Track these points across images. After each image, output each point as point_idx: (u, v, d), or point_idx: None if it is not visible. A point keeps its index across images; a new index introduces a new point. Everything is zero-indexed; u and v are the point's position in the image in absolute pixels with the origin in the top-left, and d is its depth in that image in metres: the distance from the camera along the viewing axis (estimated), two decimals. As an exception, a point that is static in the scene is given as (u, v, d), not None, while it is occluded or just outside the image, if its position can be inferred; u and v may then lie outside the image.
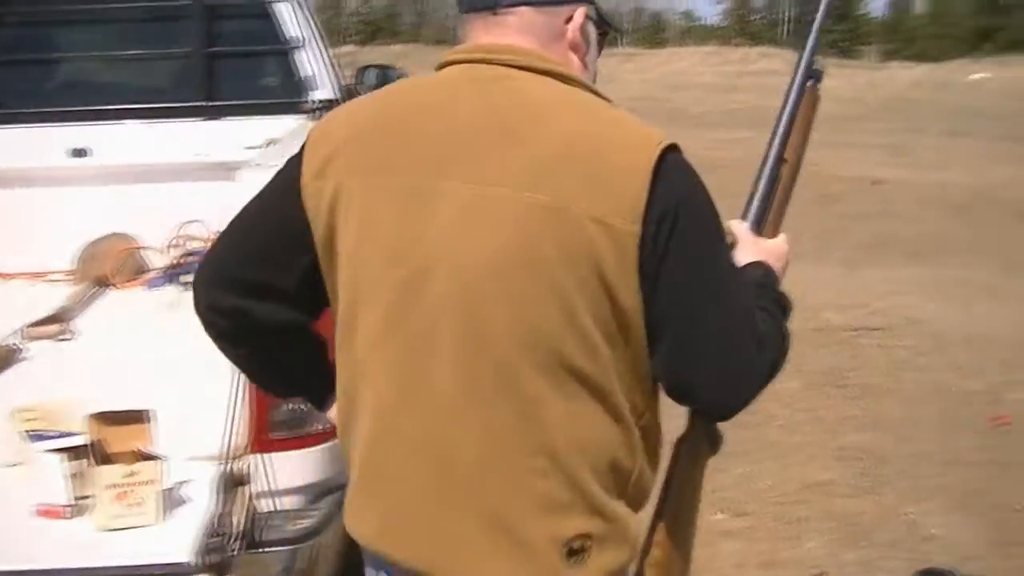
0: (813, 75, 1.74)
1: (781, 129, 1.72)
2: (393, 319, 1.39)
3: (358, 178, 1.42)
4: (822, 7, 1.83)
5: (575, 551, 1.38)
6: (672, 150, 1.36)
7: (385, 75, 5.36)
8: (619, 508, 1.43)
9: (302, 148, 1.49)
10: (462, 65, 1.47)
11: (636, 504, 1.49)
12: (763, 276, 1.57)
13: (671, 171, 1.34)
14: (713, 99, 29.35)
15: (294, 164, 1.48)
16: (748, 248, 1.61)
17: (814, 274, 8.77)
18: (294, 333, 1.61)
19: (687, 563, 1.56)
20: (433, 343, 1.37)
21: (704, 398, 1.46)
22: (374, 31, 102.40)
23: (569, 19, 1.48)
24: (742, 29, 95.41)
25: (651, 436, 1.48)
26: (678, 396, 1.46)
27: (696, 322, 1.38)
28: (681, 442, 1.55)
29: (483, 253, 1.33)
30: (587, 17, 1.50)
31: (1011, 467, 4.76)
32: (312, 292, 1.51)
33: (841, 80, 49.04)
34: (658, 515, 1.54)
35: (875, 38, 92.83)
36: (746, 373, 1.44)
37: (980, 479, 4.66)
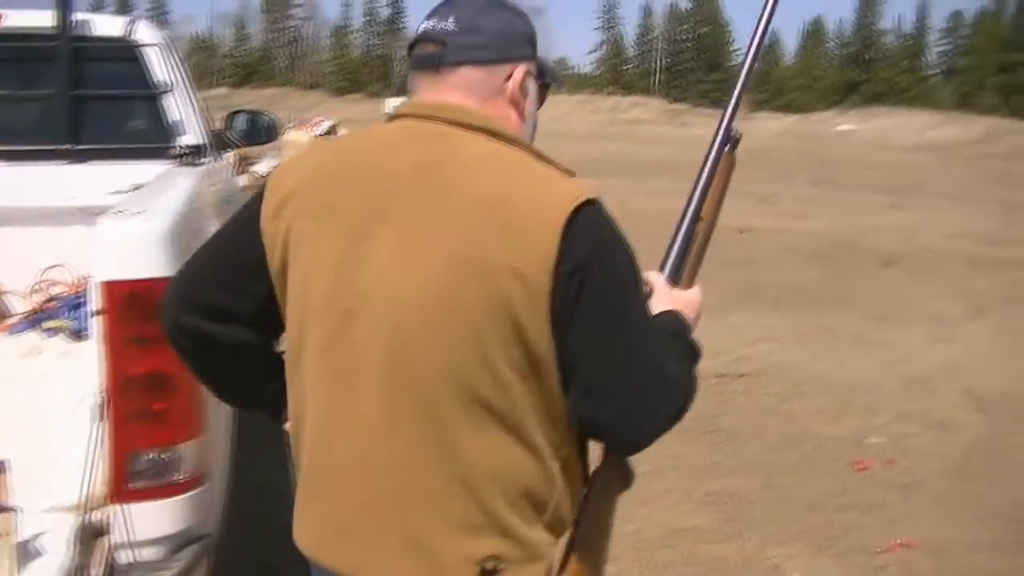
0: (730, 141, 1.91)
1: (698, 190, 1.86)
2: (329, 350, 1.56)
3: (307, 221, 1.58)
4: (742, 77, 2.01)
5: (488, 571, 1.53)
6: (589, 206, 1.48)
7: (254, 120, 5.34)
8: (533, 534, 1.58)
9: (263, 188, 1.66)
10: (408, 120, 1.63)
11: (556, 531, 1.63)
12: (676, 325, 1.70)
13: (583, 227, 1.46)
14: (582, 147, 29.80)
15: (256, 202, 1.65)
16: (664, 298, 1.74)
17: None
18: (253, 352, 1.77)
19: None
20: (361, 374, 1.53)
21: (613, 436, 1.61)
22: (248, 73, 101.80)
23: (509, 76, 1.64)
24: (615, 78, 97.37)
25: (571, 469, 1.61)
26: (589, 434, 1.61)
27: (605, 369, 1.51)
28: (595, 476, 1.69)
29: (410, 295, 1.48)
30: (527, 74, 1.67)
31: (871, 511, 4.90)
32: (269, 317, 1.67)
33: (711, 129, 50.26)
34: (571, 545, 1.66)
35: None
36: (652, 415, 1.57)
37: (841, 523, 4.78)
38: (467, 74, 1.61)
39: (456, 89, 1.61)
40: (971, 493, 5.15)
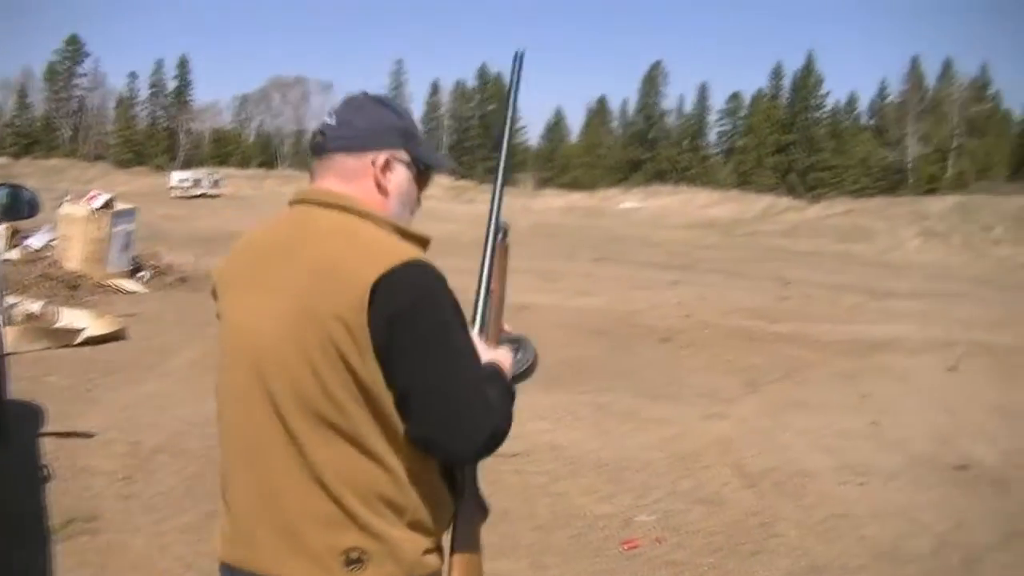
0: (501, 230, 2.33)
1: (485, 272, 2.28)
2: (227, 383, 2.11)
3: (224, 289, 2.18)
4: (500, 169, 2.41)
5: (352, 560, 1.94)
6: (410, 264, 1.92)
7: (16, 194, 5.15)
8: (395, 532, 1.97)
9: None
10: (293, 204, 2.16)
11: (420, 531, 2.02)
12: (495, 369, 2.10)
13: (400, 281, 1.89)
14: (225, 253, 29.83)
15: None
16: (483, 352, 2.11)
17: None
18: None
19: None
20: (242, 402, 2.04)
21: (442, 451, 1.97)
22: (29, 143, 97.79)
23: (374, 161, 2.11)
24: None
25: (424, 480, 2.01)
26: (424, 450, 1.96)
27: (430, 396, 1.91)
28: (457, 513, 2.13)
29: (266, 339, 1.99)
30: (391, 159, 2.13)
31: (639, 591, 4.99)
32: None
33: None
34: (450, 565, 2.10)
35: (531, 166, 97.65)
36: (474, 431, 1.93)
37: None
38: (340, 159, 2.12)
39: (330, 171, 2.13)
40: (739, 569, 5.30)
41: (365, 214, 2.07)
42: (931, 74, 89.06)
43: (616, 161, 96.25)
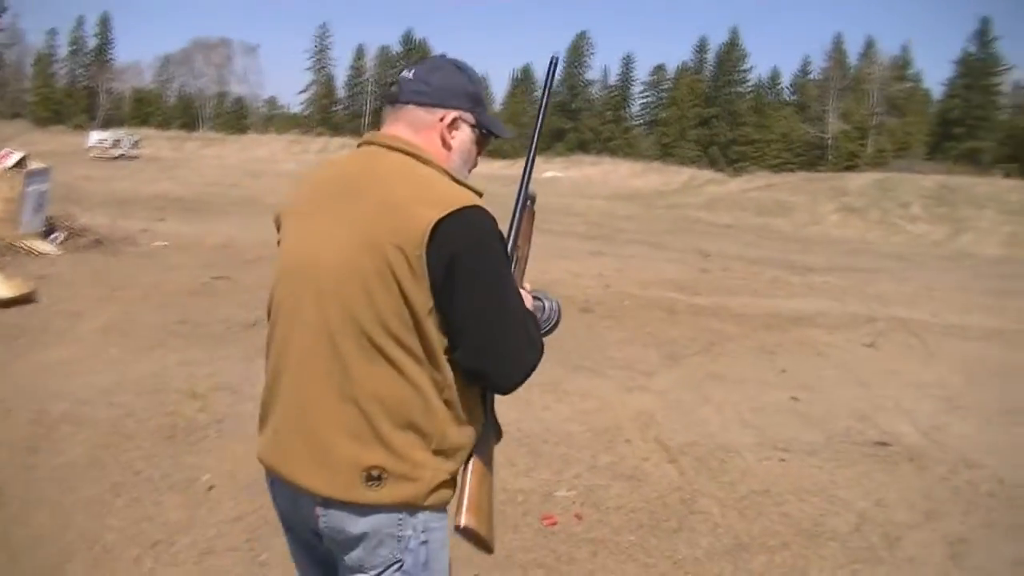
0: (530, 197, 2.66)
1: (513, 233, 2.57)
2: (281, 299, 2.33)
3: (286, 217, 2.43)
4: (533, 146, 2.71)
5: (372, 477, 2.15)
6: (468, 209, 2.18)
7: None
8: (417, 455, 2.19)
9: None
10: (361, 145, 2.41)
11: (443, 456, 2.25)
12: (530, 311, 2.42)
13: (458, 224, 2.14)
14: (288, 185, 29.36)
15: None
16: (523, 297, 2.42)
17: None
18: None
19: (489, 512, 2.39)
20: (299, 317, 2.26)
21: (490, 380, 2.28)
22: None
23: (443, 118, 2.38)
24: (324, 119, 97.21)
25: (456, 407, 2.24)
26: (472, 379, 2.25)
27: (482, 331, 2.18)
28: (481, 431, 2.37)
29: (326, 265, 2.21)
30: (457, 119, 2.40)
31: (559, 568, 4.88)
32: None
33: (418, 170, 50.88)
34: (463, 484, 2.32)
35: None
36: (520, 365, 2.28)
37: (528, 582, 4.74)
38: (412, 111, 2.39)
39: (401, 120, 2.40)
40: (661, 547, 5.23)
41: (428, 161, 2.33)
42: (853, 52, 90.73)
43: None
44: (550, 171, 56.32)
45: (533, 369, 2.31)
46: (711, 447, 7.05)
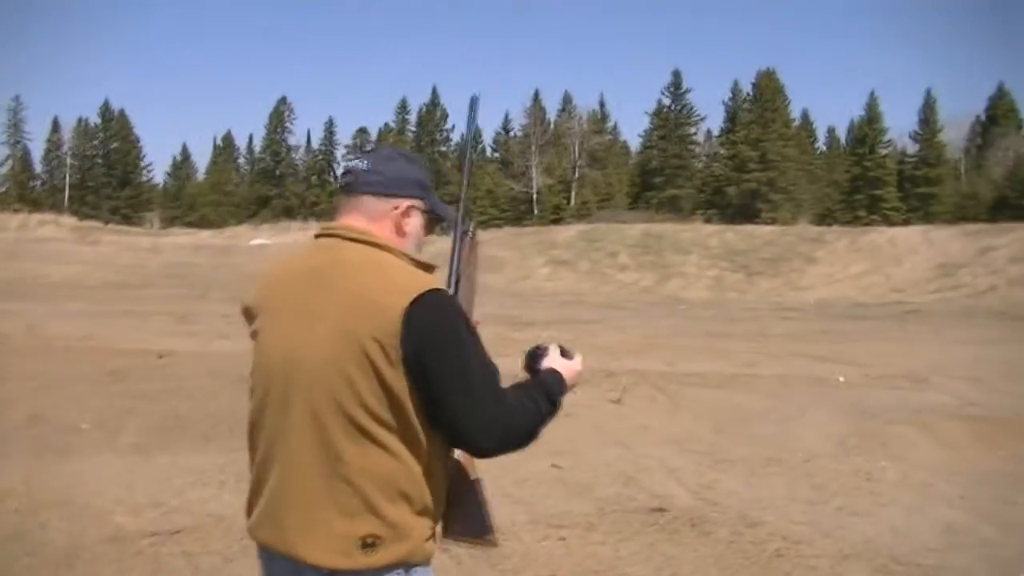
0: (467, 229, 2.76)
1: (455, 262, 2.70)
2: (266, 392, 2.51)
3: (261, 315, 2.59)
4: (464, 183, 2.98)
5: (368, 544, 2.36)
6: (431, 293, 2.37)
7: None
8: (404, 519, 2.38)
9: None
10: (320, 237, 2.61)
11: (423, 516, 2.43)
12: (547, 380, 2.63)
13: (421, 309, 2.33)
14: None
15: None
16: (551, 360, 2.72)
17: (101, 467, 7.94)
18: None
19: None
20: (287, 407, 2.44)
21: (472, 450, 2.49)
22: None
23: (396, 207, 2.57)
24: (22, 195, 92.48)
25: (434, 471, 2.44)
26: (456, 445, 2.48)
27: (455, 402, 2.35)
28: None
29: (309, 356, 2.41)
30: (411, 207, 2.59)
31: None
32: None
33: (122, 248, 49.09)
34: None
35: (157, 204, 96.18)
36: (492, 431, 2.39)
37: None
38: (367, 200, 2.55)
39: (356, 209, 2.56)
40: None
41: (387, 247, 2.50)
42: (552, 107, 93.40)
43: (244, 198, 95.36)
44: (258, 239, 55.05)
45: (512, 433, 2.45)
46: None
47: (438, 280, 2.47)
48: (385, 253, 2.49)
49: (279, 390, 2.45)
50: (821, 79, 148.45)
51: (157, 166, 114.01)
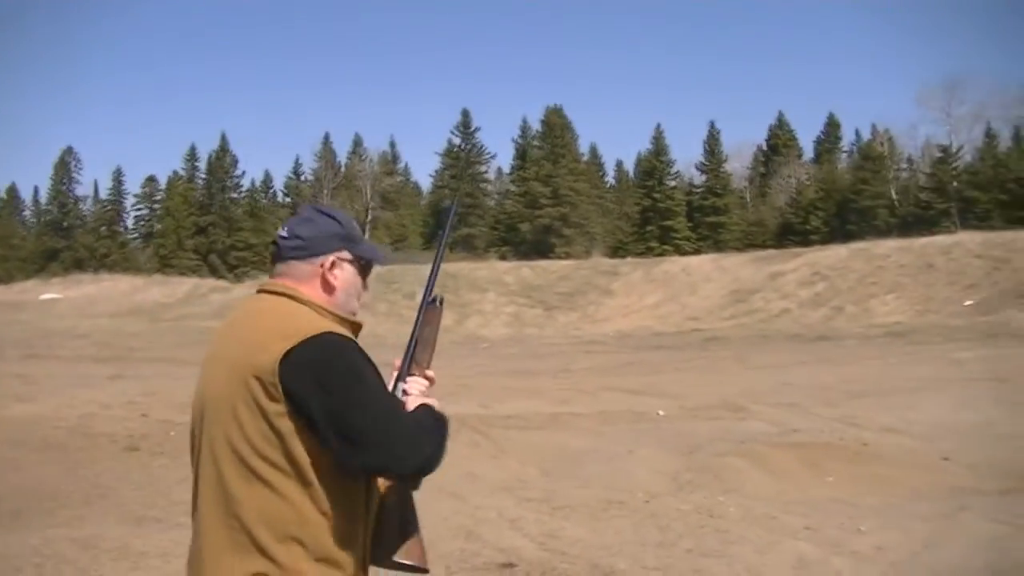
0: (436, 298, 2.90)
1: (418, 325, 2.85)
2: (191, 433, 2.63)
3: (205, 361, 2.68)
4: (438, 257, 2.98)
5: None
6: (323, 335, 2.45)
7: None
8: (301, 565, 2.39)
9: None
10: (254, 293, 2.72)
11: (328, 564, 2.43)
12: (425, 407, 2.61)
13: (305, 350, 2.40)
14: None
15: None
16: (415, 396, 2.69)
17: None
18: None
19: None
20: (198, 448, 2.55)
21: (388, 470, 2.50)
22: None
23: (322, 264, 2.66)
24: None
25: (333, 517, 2.44)
26: (375, 471, 2.50)
27: (350, 428, 2.37)
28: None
29: (210, 396, 2.52)
30: (338, 260, 2.69)
31: None
32: None
33: None
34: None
35: None
36: (407, 444, 2.42)
37: None
38: (294, 265, 2.67)
39: (286, 275, 2.67)
40: None
41: (306, 302, 2.59)
42: (342, 150, 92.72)
43: (31, 252, 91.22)
44: (48, 293, 52.54)
45: (433, 441, 2.47)
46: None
47: (341, 328, 2.54)
48: (300, 304, 2.57)
49: (196, 433, 2.57)
50: (608, 114, 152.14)
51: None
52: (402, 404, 2.57)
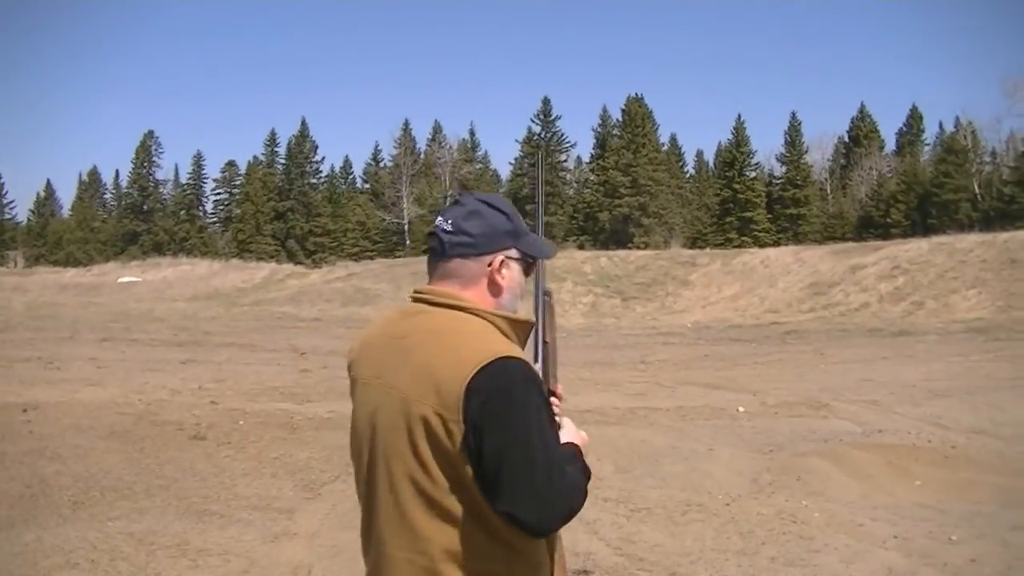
0: (547, 293, 2.76)
1: (540, 327, 2.69)
2: (358, 458, 2.56)
3: (356, 380, 2.61)
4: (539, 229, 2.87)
5: None
6: (498, 360, 2.31)
7: None
8: None
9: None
10: (410, 302, 2.58)
11: None
12: (572, 452, 2.52)
13: (484, 380, 2.29)
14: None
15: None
16: (568, 434, 2.59)
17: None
18: None
19: None
20: (373, 474, 2.49)
21: (523, 524, 2.30)
22: None
23: (491, 263, 2.52)
24: None
25: (517, 550, 2.38)
26: (508, 522, 2.31)
27: (509, 477, 2.27)
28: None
29: (384, 426, 2.44)
30: (507, 259, 2.54)
31: None
32: None
33: None
34: None
35: (20, 243, 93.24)
36: (553, 508, 2.31)
37: None
38: (459, 263, 2.51)
39: (450, 274, 2.52)
40: None
41: (473, 311, 2.47)
42: (421, 137, 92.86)
43: (111, 235, 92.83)
44: (127, 276, 53.21)
45: (573, 512, 2.36)
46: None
47: (511, 348, 2.39)
48: (469, 317, 2.45)
49: (368, 456, 2.49)
50: (688, 104, 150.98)
51: (20, 203, 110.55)
52: (567, 455, 2.44)
